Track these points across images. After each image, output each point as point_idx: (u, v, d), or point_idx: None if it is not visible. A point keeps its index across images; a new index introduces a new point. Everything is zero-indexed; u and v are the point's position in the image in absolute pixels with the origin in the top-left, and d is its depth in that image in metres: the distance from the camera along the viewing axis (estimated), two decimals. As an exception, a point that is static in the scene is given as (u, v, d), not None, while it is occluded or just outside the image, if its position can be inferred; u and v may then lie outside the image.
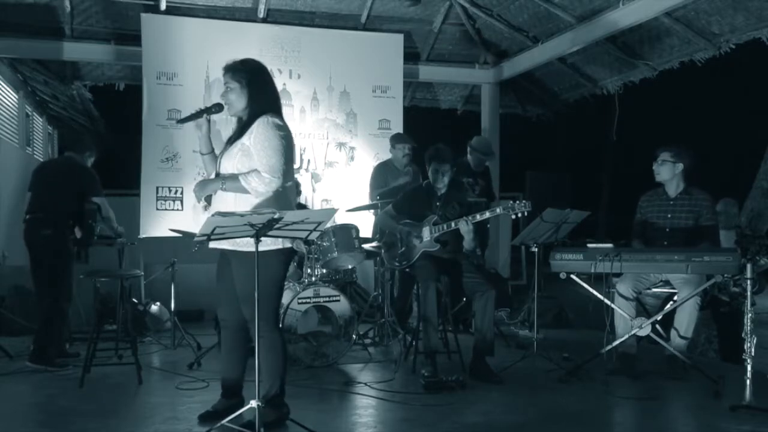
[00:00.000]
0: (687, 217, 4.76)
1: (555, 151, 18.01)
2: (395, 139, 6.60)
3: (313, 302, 4.95)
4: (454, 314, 5.54)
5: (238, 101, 3.50)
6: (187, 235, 5.20)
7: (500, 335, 5.69)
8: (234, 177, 3.40)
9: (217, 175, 3.53)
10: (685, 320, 4.56)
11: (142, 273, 5.99)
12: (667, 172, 4.81)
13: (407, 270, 5.02)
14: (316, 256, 5.18)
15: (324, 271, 5.27)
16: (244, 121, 3.52)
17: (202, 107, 3.58)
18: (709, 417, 3.80)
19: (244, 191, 3.39)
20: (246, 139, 3.43)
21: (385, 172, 6.51)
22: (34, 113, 10.20)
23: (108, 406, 3.99)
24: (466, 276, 4.72)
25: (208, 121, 3.57)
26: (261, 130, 3.40)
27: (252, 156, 3.39)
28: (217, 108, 3.54)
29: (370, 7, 7.65)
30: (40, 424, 3.76)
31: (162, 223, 6.87)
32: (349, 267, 5.46)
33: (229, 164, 3.46)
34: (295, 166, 7.44)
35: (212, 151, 3.62)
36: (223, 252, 3.53)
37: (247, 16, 7.54)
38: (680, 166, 4.79)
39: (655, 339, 4.58)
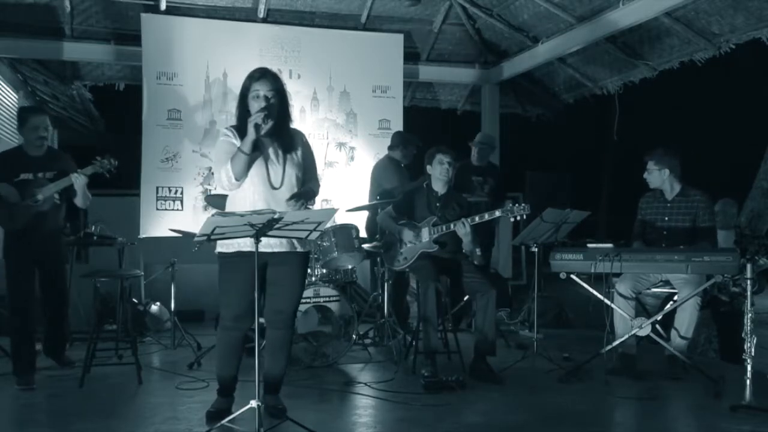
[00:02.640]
0: (684, 219, 4.76)
1: (555, 151, 17.98)
2: (396, 139, 6.56)
3: (313, 302, 4.95)
4: (453, 314, 5.54)
5: (275, 108, 3.55)
6: (187, 235, 5.21)
7: (500, 335, 5.69)
8: (312, 188, 3.69)
9: (270, 181, 3.56)
10: (686, 320, 4.56)
11: (142, 273, 5.99)
12: (656, 179, 4.83)
13: (406, 270, 5.02)
14: (316, 256, 5.18)
15: (324, 271, 5.27)
16: (282, 132, 3.60)
17: (263, 110, 3.49)
18: (709, 417, 3.80)
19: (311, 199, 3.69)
20: (299, 152, 3.66)
21: (395, 167, 6.44)
22: (34, 113, 10.18)
23: (108, 406, 3.99)
24: (466, 276, 4.72)
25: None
26: (308, 144, 3.77)
27: (302, 167, 3.66)
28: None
29: (370, 7, 7.66)
30: (40, 424, 3.76)
31: (162, 223, 6.87)
32: (349, 267, 5.46)
33: (295, 173, 3.62)
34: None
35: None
36: (246, 254, 3.48)
37: (247, 16, 7.54)
38: (666, 171, 4.79)
39: (655, 339, 4.58)
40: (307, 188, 3.65)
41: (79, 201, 4.57)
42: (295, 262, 3.63)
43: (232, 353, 3.69)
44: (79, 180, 4.39)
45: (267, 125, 3.46)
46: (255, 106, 3.54)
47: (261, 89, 3.55)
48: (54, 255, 4.68)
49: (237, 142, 3.54)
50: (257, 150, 3.51)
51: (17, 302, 4.47)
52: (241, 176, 3.50)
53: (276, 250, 3.54)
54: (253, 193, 3.55)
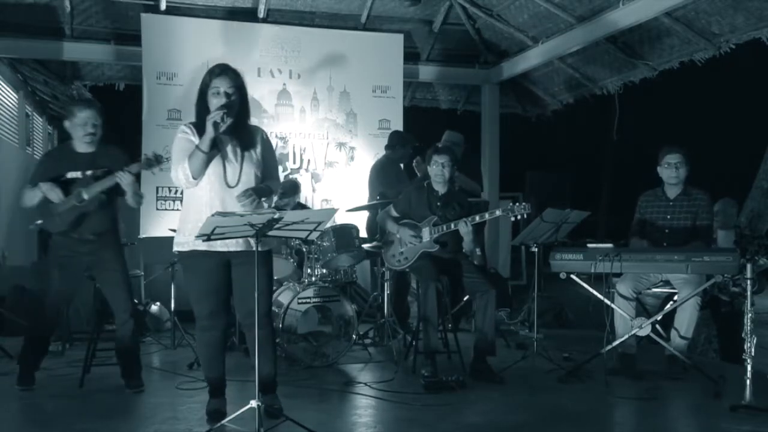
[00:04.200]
0: (686, 218, 4.76)
1: (555, 151, 18.00)
2: (394, 138, 6.55)
3: (313, 302, 4.94)
4: (453, 314, 5.54)
5: (236, 106, 3.50)
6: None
7: (500, 335, 5.68)
8: (269, 186, 3.62)
9: (225, 179, 3.51)
10: (685, 320, 4.56)
11: (142, 273, 5.99)
12: (684, 173, 4.79)
13: (406, 270, 5.02)
14: (316, 256, 5.18)
15: (324, 271, 5.27)
16: (240, 129, 3.54)
17: (222, 108, 3.44)
18: (709, 417, 3.80)
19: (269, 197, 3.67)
20: (258, 149, 3.60)
21: (390, 168, 6.43)
22: (34, 113, 10.20)
23: (108, 406, 3.98)
24: (466, 276, 4.72)
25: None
26: (268, 141, 3.72)
27: (261, 165, 3.60)
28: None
29: (370, 7, 7.66)
30: (40, 424, 3.75)
31: (162, 223, 6.87)
32: (349, 267, 5.46)
33: (253, 171, 3.57)
34: (295, 166, 7.49)
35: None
36: (215, 254, 3.48)
37: (247, 16, 7.54)
38: (689, 167, 4.79)
39: (655, 339, 4.58)
40: (262, 185, 3.57)
41: (129, 200, 4.19)
42: (260, 260, 3.48)
43: (216, 353, 3.65)
44: (124, 178, 4.04)
45: (226, 123, 3.41)
46: (215, 102, 3.48)
47: (221, 86, 3.49)
48: (108, 260, 4.24)
49: (195, 139, 3.50)
50: (215, 148, 3.47)
51: (43, 302, 4.28)
52: (198, 174, 3.46)
53: (232, 249, 3.46)
54: (209, 191, 3.50)
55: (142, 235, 6.78)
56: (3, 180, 7.89)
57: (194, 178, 3.46)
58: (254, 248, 3.41)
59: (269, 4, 7.42)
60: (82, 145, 4.18)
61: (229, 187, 3.51)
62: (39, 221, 4.26)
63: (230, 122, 3.43)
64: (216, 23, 7.38)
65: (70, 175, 4.14)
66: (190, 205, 3.54)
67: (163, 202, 7.04)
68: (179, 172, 3.47)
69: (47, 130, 11.26)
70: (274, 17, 7.60)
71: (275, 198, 3.76)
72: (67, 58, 7.63)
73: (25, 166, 9.25)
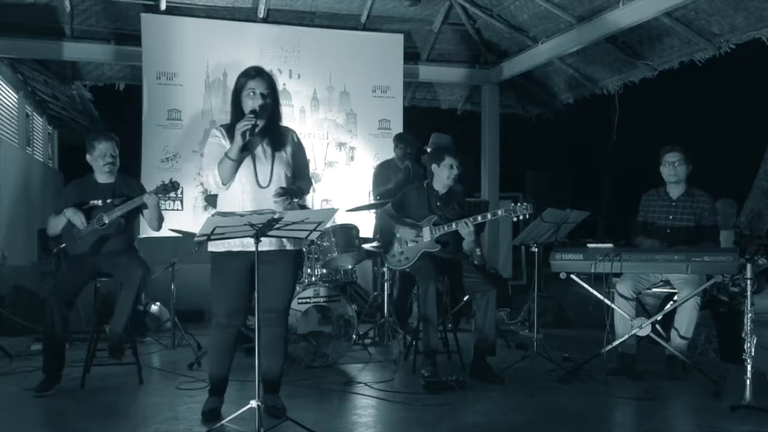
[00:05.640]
0: (688, 219, 4.76)
1: (555, 151, 18.00)
2: (395, 139, 6.64)
3: (313, 302, 4.95)
4: (453, 314, 5.54)
5: (268, 108, 3.55)
6: (187, 235, 5.22)
7: (500, 335, 5.68)
8: (301, 186, 3.68)
9: (257, 180, 3.54)
10: (685, 320, 4.56)
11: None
12: (684, 172, 4.79)
13: (407, 270, 5.02)
14: (316, 256, 5.18)
15: (324, 271, 5.27)
16: (272, 129, 3.59)
17: (253, 111, 3.48)
18: (709, 417, 3.80)
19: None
20: (288, 150, 3.64)
21: (387, 171, 6.51)
22: (34, 113, 10.21)
23: (108, 406, 3.99)
24: (466, 276, 4.72)
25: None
26: (300, 142, 3.75)
27: (291, 165, 3.64)
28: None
29: (370, 7, 7.66)
30: (40, 424, 3.76)
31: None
32: (349, 267, 5.46)
33: (283, 171, 3.60)
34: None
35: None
36: (247, 254, 3.47)
37: (247, 16, 7.55)
38: (690, 167, 4.79)
39: (655, 339, 4.58)
40: (293, 186, 3.62)
41: (152, 225, 4.50)
42: (285, 260, 3.60)
43: (226, 352, 3.67)
44: (151, 200, 4.36)
45: (254, 134, 3.44)
46: (249, 104, 3.52)
47: (257, 87, 3.53)
48: (124, 259, 4.42)
49: (226, 143, 3.53)
50: (245, 150, 3.50)
51: (49, 299, 4.28)
52: (227, 181, 3.50)
53: (266, 248, 3.48)
54: (241, 193, 3.54)
55: (142, 235, 6.77)
56: (3, 180, 7.89)
57: (224, 184, 3.51)
58: (287, 248, 3.58)
59: (269, 4, 7.42)
60: (102, 175, 4.52)
61: (261, 187, 3.54)
62: (63, 245, 4.51)
63: (260, 127, 3.47)
64: (216, 23, 7.38)
65: (93, 202, 4.46)
66: (224, 206, 3.58)
67: (163, 202, 7.00)
68: (210, 178, 3.53)
69: (47, 130, 11.27)
70: (274, 17, 7.61)
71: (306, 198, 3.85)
72: (67, 58, 7.63)
73: (24, 166, 9.26)
